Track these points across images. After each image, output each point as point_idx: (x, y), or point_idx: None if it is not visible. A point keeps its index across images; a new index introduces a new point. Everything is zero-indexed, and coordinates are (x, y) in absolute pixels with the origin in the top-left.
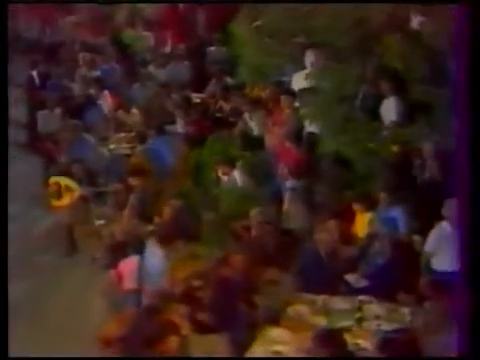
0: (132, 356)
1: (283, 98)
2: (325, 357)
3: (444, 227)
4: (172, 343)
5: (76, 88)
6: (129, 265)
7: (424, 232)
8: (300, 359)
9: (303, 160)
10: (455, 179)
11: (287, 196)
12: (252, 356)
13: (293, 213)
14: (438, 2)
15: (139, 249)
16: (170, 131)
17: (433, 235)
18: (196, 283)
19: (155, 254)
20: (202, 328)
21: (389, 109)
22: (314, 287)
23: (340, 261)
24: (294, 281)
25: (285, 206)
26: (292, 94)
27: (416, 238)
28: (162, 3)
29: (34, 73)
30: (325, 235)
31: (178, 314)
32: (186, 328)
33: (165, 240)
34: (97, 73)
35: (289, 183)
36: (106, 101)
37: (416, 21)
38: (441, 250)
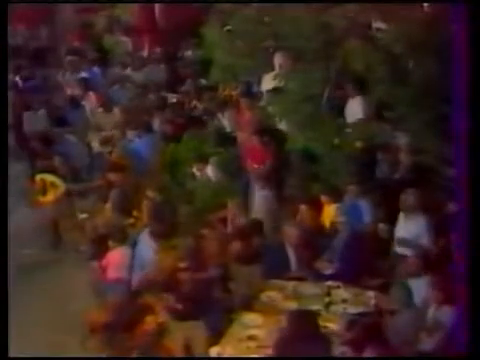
0: (132, 356)
1: (252, 98)
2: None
3: (407, 215)
4: (149, 324)
5: (61, 90)
6: (115, 256)
7: (388, 221)
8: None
9: (272, 155)
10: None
11: (256, 190)
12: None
13: (262, 206)
14: (438, 2)
15: (121, 240)
16: (148, 129)
17: (399, 224)
18: (181, 265)
19: (148, 246)
20: (181, 315)
21: (354, 108)
22: (283, 275)
23: (309, 249)
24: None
25: (255, 199)
26: (260, 94)
27: (381, 226)
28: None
29: (17, 77)
30: (292, 228)
31: (159, 302)
32: (164, 316)
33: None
34: (81, 75)
35: (257, 176)
36: (90, 102)
37: (376, 26)
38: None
